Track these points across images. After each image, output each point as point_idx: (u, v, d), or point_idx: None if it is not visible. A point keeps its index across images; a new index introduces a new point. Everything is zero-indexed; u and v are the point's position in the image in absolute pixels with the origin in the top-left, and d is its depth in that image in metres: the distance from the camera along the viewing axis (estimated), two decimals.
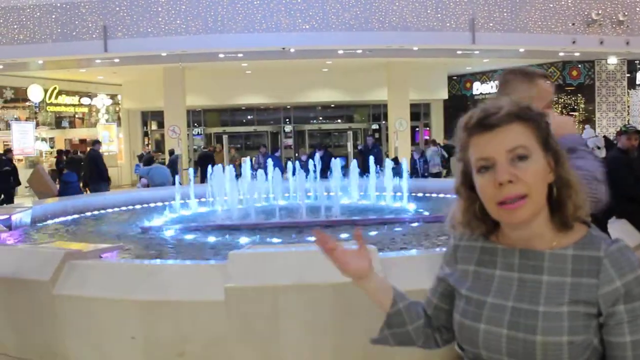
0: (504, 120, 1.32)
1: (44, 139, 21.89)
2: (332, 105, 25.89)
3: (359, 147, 19.93)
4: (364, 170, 11.42)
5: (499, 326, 1.34)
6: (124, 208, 10.32)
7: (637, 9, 18.25)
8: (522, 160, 1.30)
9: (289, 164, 11.44)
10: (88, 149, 15.83)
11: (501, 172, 1.29)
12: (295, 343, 3.97)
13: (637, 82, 22.48)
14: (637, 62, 22.01)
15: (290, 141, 25.70)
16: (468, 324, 1.40)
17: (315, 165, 10.24)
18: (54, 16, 15.96)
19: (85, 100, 23.97)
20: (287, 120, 25.94)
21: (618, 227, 4.82)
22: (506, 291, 1.37)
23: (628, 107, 22.25)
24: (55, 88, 21.76)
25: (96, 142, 14.85)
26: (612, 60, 21.59)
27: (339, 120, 26.92)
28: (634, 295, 1.28)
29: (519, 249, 1.39)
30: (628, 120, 21.39)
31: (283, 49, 16.73)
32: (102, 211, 9.91)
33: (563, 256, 1.34)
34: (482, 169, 1.33)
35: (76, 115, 24.00)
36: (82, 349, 4.19)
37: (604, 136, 16.06)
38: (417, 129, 25.67)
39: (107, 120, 24.77)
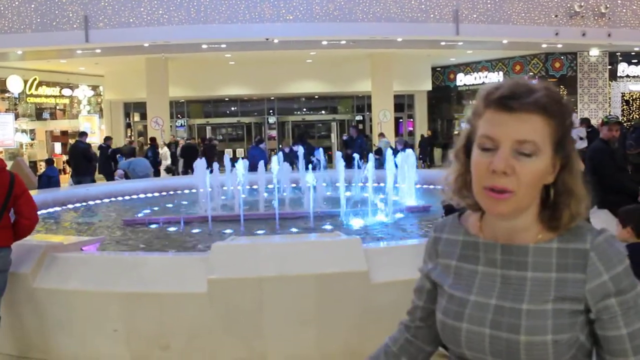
0: (527, 108, 1.20)
1: (24, 131, 21.59)
2: (316, 97, 25.82)
3: (344, 137, 20.02)
4: (348, 162, 11.40)
5: (481, 325, 1.28)
6: (106, 200, 10.23)
7: (619, 1, 18.38)
8: (526, 156, 1.20)
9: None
10: (71, 140, 15.62)
11: (499, 160, 1.20)
12: (278, 334, 3.96)
13: (619, 74, 22.68)
14: (619, 54, 22.20)
15: (274, 132, 25.62)
16: (450, 323, 1.33)
17: (298, 157, 10.22)
18: (33, 5, 15.71)
19: (67, 92, 23.66)
20: (271, 111, 25.83)
21: (600, 218, 4.87)
22: (489, 288, 1.30)
23: (609, 98, 22.45)
24: (35, 79, 21.45)
25: (82, 134, 14.66)
26: (594, 52, 21.76)
27: (323, 112, 26.86)
28: (624, 286, 1.23)
29: (500, 244, 1.31)
30: (609, 112, 21.60)
31: (267, 39, 16.64)
32: (84, 203, 9.82)
33: (547, 250, 1.27)
34: (484, 146, 1.23)
35: (57, 107, 23.68)
36: (63, 342, 4.15)
37: (592, 126, 16.03)
38: (401, 120, 25.70)
39: (89, 112, 24.49)
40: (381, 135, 19.19)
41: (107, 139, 17.39)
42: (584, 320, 1.25)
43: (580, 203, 1.27)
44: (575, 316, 1.24)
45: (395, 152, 15.34)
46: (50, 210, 9.04)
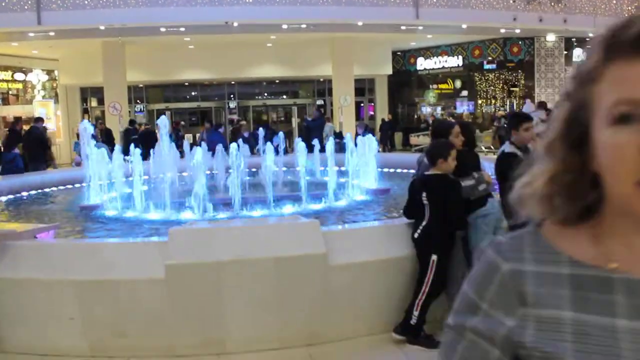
0: None
1: None
2: (277, 81, 25.70)
3: (306, 119, 20.15)
4: (309, 143, 11.36)
5: None
6: (62, 187, 10.02)
7: None
8: None
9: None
10: (25, 127, 15.15)
11: None
12: (238, 318, 3.95)
13: (574, 59, 23.16)
14: (574, 39, 22.65)
15: (234, 117, 25.42)
16: None
17: (258, 141, 10.18)
18: None
19: (19, 76, 22.97)
20: (232, 95, 25.60)
21: None
22: None
23: (565, 83, 22.93)
24: None
25: (38, 119, 14.26)
26: (551, 38, 22.16)
27: (284, 96, 26.77)
28: None
29: None
30: None
31: (226, 23, 16.43)
32: (40, 190, 9.60)
33: None
34: (625, 119, 0.76)
35: (10, 92, 22.99)
36: (17, 331, 4.06)
37: (550, 109, 16.36)
38: (362, 104, 25.78)
39: (43, 97, 23.83)
40: (327, 119, 19.30)
41: (132, 122, 18.02)
42: None
43: None
44: None
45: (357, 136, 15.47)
46: (4, 197, 8.82)
